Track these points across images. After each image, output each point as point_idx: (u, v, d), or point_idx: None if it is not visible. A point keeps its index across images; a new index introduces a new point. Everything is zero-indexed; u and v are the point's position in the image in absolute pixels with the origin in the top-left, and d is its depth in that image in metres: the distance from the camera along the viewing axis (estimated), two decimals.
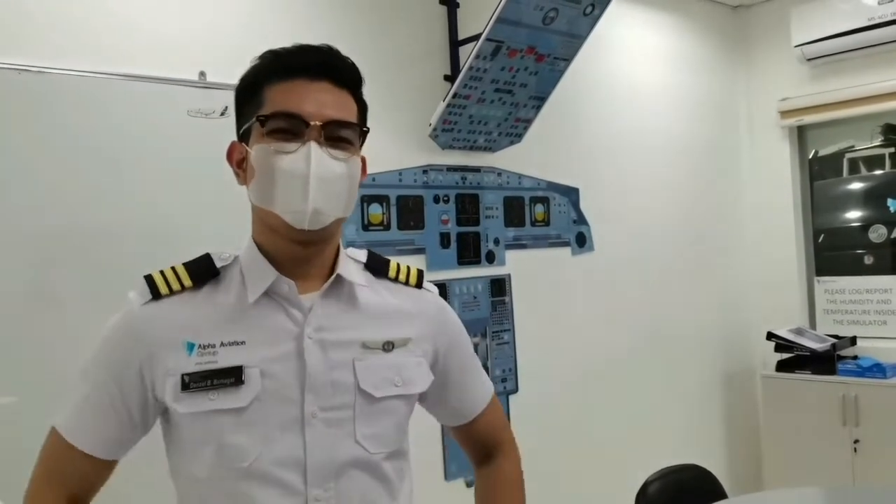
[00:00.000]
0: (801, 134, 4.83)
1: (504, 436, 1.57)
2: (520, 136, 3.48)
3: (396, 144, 3.19)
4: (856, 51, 4.31)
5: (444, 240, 3.32)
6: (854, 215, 4.68)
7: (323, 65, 1.27)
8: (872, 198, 4.65)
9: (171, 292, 1.25)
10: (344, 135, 1.26)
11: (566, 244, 3.83)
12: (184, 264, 1.29)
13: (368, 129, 1.32)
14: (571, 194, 3.85)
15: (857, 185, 4.73)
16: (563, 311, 3.80)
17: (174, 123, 2.51)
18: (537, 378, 3.64)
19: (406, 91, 3.22)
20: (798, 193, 4.80)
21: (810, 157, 4.83)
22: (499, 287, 3.53)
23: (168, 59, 2.56)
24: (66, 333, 2.28)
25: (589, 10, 3.12)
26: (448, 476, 3.30)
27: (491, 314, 3.49)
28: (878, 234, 4.55)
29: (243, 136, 1.28)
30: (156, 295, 1.25)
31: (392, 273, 1.41)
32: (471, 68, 3.02)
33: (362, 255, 1.41)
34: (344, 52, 3.33)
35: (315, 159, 1.20)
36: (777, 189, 4.80)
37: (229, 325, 1.24)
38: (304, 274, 1.28)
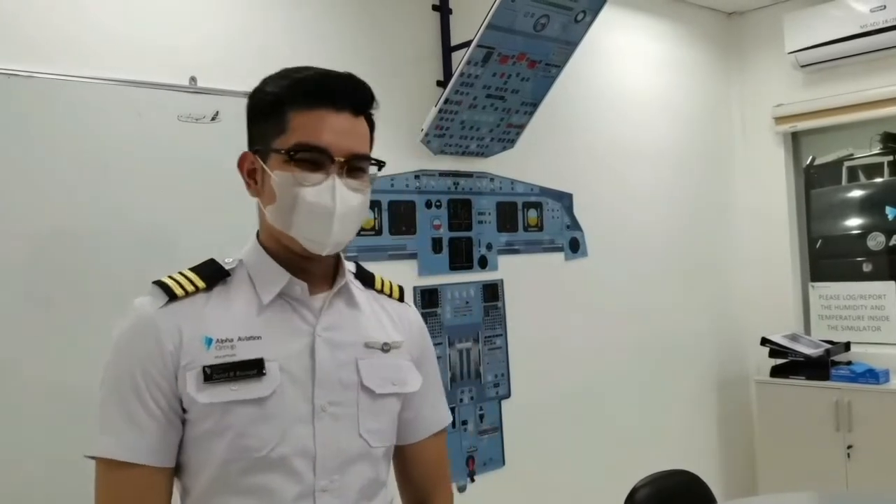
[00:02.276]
0: (795, 140, 4.84)
1: (444, 485, 1.60)
2: (512, 142, 3.49)
3: (388, 149, 3.15)
4: (849, 58, 4.32)
5: (437, 245, 3.33)
6: (852, 223, 4.69)
7: (346, 94, 1.33)
8: (871, 206, 4.65)
9: (186, 294, 1.31)
10: (362, 166, 1.34)
11: (559, 249, 3.84)
12: (191, 269, 1.35)
13: (384, 162, 1.39)
14: (565, 199, 3.86)
15: (855, 193, 4.74)
16: (556, 316, 3.80)
17: (165, 128, 2.52)
18: (529, 383, 3.64)
19: (398, 97, 3.23)
20: (793, 199, 4.81)
21: (807, 164, 4.84)
22: (491, 292, 3.54)
23: (158, 64, 2.58)
24: (56, 336, 2.29)
25: (580, 16, 3.14)
26: None
27: (483, 319, 3.49)
28: (876, 241, 4.55)
29: (258, 151, 1.34)
30: (171, 297, 1.30)
31: (378, 285, 1.52)
32: (462, 74, 3.03)
33: (351, 265, 1.49)
34: (337, 56, 3.34)
35: (339, 196, 1.28)
36: (771, 194, 4.80)
37: (244, 323, 1.31)
38: (310, 277, 1.36)
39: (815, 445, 4.19)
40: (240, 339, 1.29)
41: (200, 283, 1.32)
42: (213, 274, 1.34)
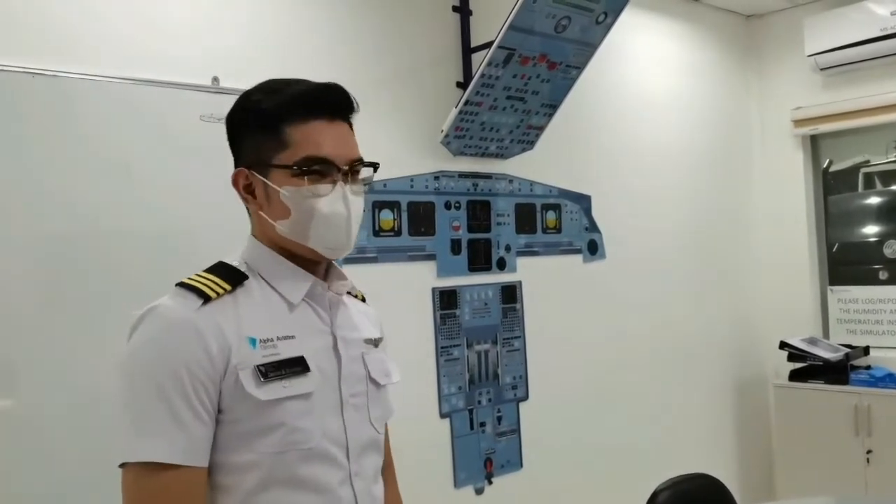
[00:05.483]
0: (814, 143, 4.81)
1: (392, 469, 1.67)
2: (532, 144, 3.48)
3: (408, 150, 3.20)
4: (869, 60, 4.30)
5: (455, 246, 3.33)
6: (869, 230, 4.67)
7: (337, 104, 1.38)
8: (888, 213, 4.65)
9: (217, 296, 1.32)
10: (359, 169, 1.41)
11: (578, 251, 3.83)
12: (212, 272, 1.37)
13: (378, 164, 1.44)
14: (583, 201, 3.85)
15: (872, 201, 4.73)
16: (575, 318, 3.79)
17: (187, 128, 2.53)
18: (548, 385, 3.64)
19: (418, 97, 3.23)
20: (812, 202, 4.78)
21: (824, 167, 4.81)
22: (510, 294, 3.53)
23: (181, 64, 2.58)
24: (75, 337, 2.30)
25: (601, 18, 3.13)
26: (458, 483, 3.30)
27: (502, 321, 3.48)
28: (893, 249, 4.54)
29: (253, 166, 1.37)
30: (206, 299, 1.31)
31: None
32: (483, 75, 3.03)
33: None
34: (357, 58, 3.36)
35: (351, 202, 1.36)
36: (790, 197, 4.78)
37: (277, 323, 1.35)
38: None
39: (834, 450, 4.17)
40: (278, 338, 1.34)
41: (226, 286, 1.34)
42: (235, 277, 1.37)
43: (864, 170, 4.72)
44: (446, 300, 3.30)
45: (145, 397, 1.25)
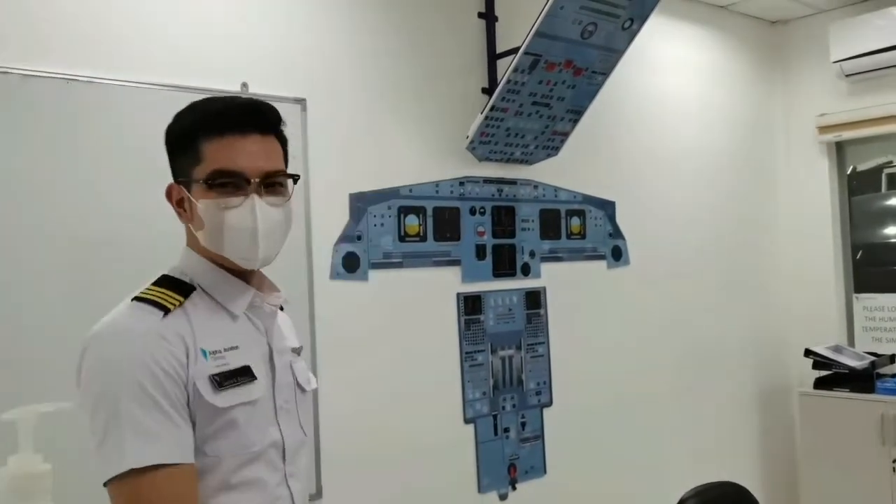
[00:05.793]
0: (839, 150, 4.78)
1: None
2: (556, 149, 3.48)
3: (434, 156, 3.21)
4: (894, 67, 4.27)
5: (480, 252, 3.33)
6: (893, 231, 4.63)
7: (250, 119, 1.41)
8: None
9: (174, 308, 1.37)
10: (278, 180, 1.43)
11: (602, 257, 3.82)
12: (162, 285, 1.41)
13: (299, 175, 1.49)
14: (608, 207, 3.84)
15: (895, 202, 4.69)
16: (598, 324, 3.79)
17: None
18: (571, 391, 3.63)
19: (444, 103, 3.24)
20: (836, 209, 4.75)
21: (849, 172, 4.78)
22: (534, 299, 3.53)
23: (211, 70, 2.60)
24: None
25: (627, 24, 3.13)
26: (481, 488, 3.30)
27: (526, 326, 3.48)
28: None
29: (181, 182, 1.43)
30: (166, 311, 1.36)
31: None
32: (508, 81, 3.03)
33: None
34: (384, 65, 3.37)
35: (260, 214, 1.38)
36: (815, 205, 4.75)
37: (222, 333, 1.41)
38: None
39: (859, 460, 4.13)
40: (225, 349, 1.39)
41: (180, 298, 1.39)
42: (182, 289, 1.41)
43: (887, 170, 4.69)
44: (471, 305, 3.30)
45: (127, 404, 1.27)
